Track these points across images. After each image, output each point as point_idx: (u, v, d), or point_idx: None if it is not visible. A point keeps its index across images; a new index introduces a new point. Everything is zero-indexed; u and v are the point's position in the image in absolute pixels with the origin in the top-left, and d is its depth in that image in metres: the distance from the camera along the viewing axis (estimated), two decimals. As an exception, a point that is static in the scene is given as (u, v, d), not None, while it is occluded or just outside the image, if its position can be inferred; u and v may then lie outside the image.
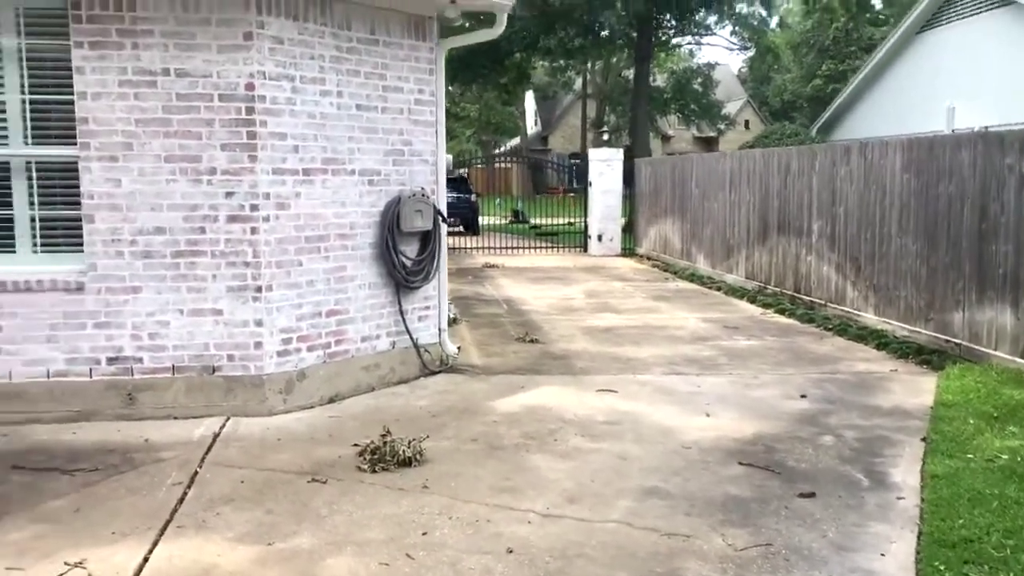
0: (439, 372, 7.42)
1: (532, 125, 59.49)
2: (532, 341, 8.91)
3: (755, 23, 30.21)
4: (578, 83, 49.88)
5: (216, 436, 5.73)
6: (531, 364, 7.91)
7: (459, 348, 7.93)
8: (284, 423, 6.06)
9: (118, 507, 4.49)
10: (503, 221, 27.54)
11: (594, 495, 4.68)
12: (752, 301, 11.69)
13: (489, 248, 19.51)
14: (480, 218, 24.07)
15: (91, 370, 6.08)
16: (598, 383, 7.15)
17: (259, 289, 6.18)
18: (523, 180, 48.22)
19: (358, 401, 6.62)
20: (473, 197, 23.69)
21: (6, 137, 6.00)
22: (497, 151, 57.61)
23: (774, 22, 39.23)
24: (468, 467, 5.11)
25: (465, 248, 19.89)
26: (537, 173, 46.45)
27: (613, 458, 5.29)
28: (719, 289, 12.93)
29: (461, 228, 22.16)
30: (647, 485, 4.84)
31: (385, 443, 5.19)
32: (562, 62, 32.23)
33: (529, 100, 56.32)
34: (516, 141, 57.76)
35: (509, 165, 47.09)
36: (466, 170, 29.07)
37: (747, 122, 52.34)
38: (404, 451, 5.11)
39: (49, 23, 5.94)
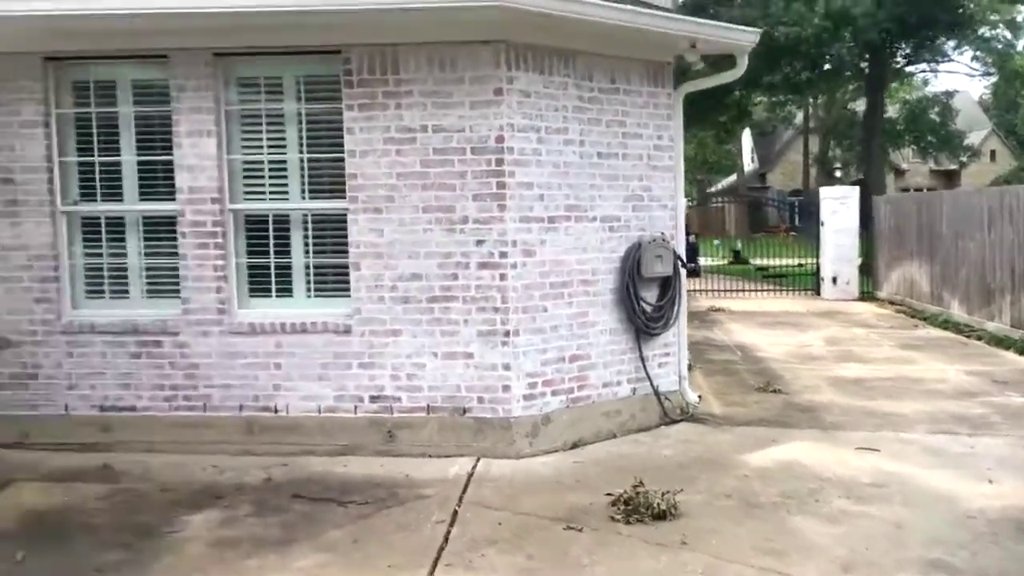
0: (680, 421, 7.28)
1: (749, 162, 57.98)
2: (774, 391, 8.56)
3: (999, 46, 27.86)
4: (799, 117, 48.11)
5: (470, 476, 5.93)
6: (776, 416, 7.58)
7: (699, 397, 7.75)
8: (531, 466, 6.17)
9: (391, 541, 4.74)
10: (722, 262, 26.86)
11: (870, 564, 4.36)
12: (1021, 353, 10.57)
13: (712, 291, 19.08)
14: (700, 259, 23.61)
15: (356, 407, 6.51)
16: (855, 440, 6.72)
17: (507, 334, 6.37)
18: (740, 219, 46.93)
19: (600, 447, 6.63)
20: (692, 238, 23.30)
21: (287, 192, 6.63)
22: (711, 190, 56.59)
23: (1021, 44, 36.02)
24: (725, 524, 4.94)
25: (688, 291, 19.53)
26: (755, 212, 45.04)
27: (886, 524, 4.92)
28: (979, 338, 11.81)
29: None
30: (930, 557, 4.45)
31: (638, 493, 5.14)
32: (782, 97, 31.25)
33: (746, 137, 55.00)
34: (732, 179, 56.49)
35: (726, 204, 46.04)
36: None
37: (993, 152, 48.19)
38: (658, 503, 5.02)
39: (324, 89, 6.52)
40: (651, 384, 7.18)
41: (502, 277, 6.34)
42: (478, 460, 6.27)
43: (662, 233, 7.17)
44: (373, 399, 6.51)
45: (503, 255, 6.33)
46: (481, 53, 6.19)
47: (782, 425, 7.25)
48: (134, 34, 6.28)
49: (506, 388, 6.40)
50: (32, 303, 6.69)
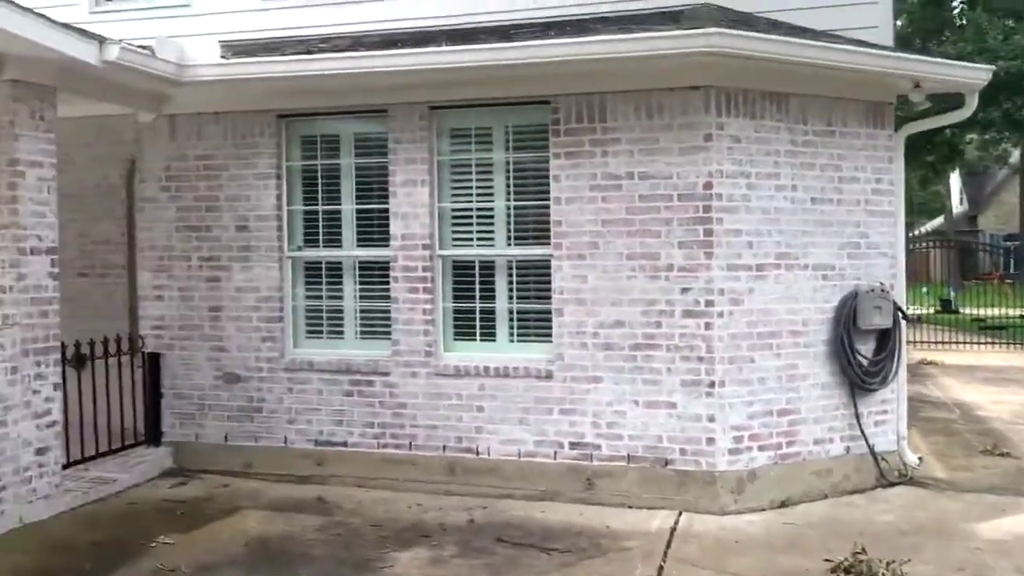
0: (898, 484, 6.75)
1: (957, 204, 53.96)
2: (1001, 454, 7.79)
3: None
4: (1014, 155, 44.33)
5: (673, 530, 5.75)
6: (1008, 483, 6.88)
7: (920, 458, 7.17)
8: (737, 524, 5.91)
9: (597, 594, 4.67)
10: (930, 311, 25.00)
11: None
12: None
13: (922, 342, 17.73)
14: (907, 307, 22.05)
15: (555, 453, 6.51)
16: (1108, 514, 5.98)
17: (712, 384, 6.18)
18: (949, 265, 43.62)
19: (811, 508, 6.25)
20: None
21: (493, 239, 6.80)
22: (916, 233, 53.06)
23: None
24: (963, 602, 4.51)
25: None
26: (966, 257, 41.73)
27: None
28: None
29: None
30: None
31: (860, 561, 4.80)
32: (997, 134, 28.89)
33: (954, 177, 51.29)
34: (939, 222, 52.72)
35: (933, 249, 42.97)
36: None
37: None
38: (883, 573, 4.66)
39: (531, 137, 6.68)
40: (867, 443, 6.72)
41: (708, 326, 6.17)
42: (680, 514, 6.08)
43: (880, 283, 6.74)
44: (573, 446, 6.48)
45: (709, 303, 6.17)
46: (690, 99, 6.13)
47: (1015, 493, 6.58)
48: (359, 91, 6.70)
49: (710, 441, 6.19)
50: (259, 341, 7.20)
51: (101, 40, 5.94)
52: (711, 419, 6.18)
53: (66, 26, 5.70)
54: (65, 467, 6.36)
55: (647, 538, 5.61)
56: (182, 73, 6.55)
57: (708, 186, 6.14)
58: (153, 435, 7.34)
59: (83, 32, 5.89)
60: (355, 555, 5.40)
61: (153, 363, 7.34)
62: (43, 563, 5.28)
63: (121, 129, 7.92)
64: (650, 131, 6.24)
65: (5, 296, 5.88)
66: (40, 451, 6.03)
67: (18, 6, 5.21)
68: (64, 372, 6.31)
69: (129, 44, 6.08)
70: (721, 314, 6.18)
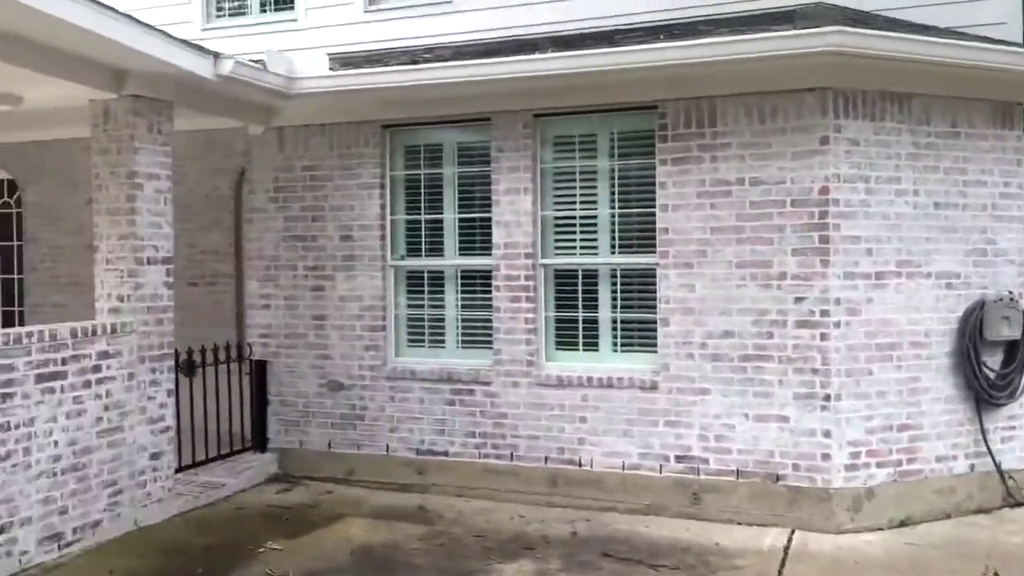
0: (1028, 504, 6.35)
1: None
2: None
3: None
4: None
5: (786, 549, 5.52)
6: None
7: (1053, 478, 6.72)
8: (855, 544, 5.64)
9: (715, 615, 4.49)
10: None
11: None
12: None
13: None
14: None
15: (660, 466, 6.34)
16: None
17: (827, 398, 5.92)
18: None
19: (933, 529, 5.92)
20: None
21: (596, 247, 6.69)
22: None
23: None
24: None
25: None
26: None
27: None
28: None
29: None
30: None
31: (998, 588, 4.48)
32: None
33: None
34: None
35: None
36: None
37: None
38: (1026, 602, 4.35)
39: (636, 144, 6.55)
40: (993, 460, 6.33)
41: (823, 337, 5.92)
42: (793, 532, 5.84)
43: (1009, 292, 6.36)
44: (679, 459, 6.30)
45: (824, 313, 5.92)
46: (806, 101, 5.91)
47: None
48: (462, 100, 6.70)
49: (825, 456, 5.92)
50: (362, 350, 7.26)
51: (216, 55, 6.09)
52: (826, 434, 5.92)
53: (184, 42, 5.87)
54: (177, 471, 6.51)
55: (759, 556, 5.40)
56: (291, 85, 6.67)
57: (824, 191, 5.90)
58: (259, 441, 7.48)
59: (199, 47, 6.06)
60: (458, 566, 5.36)
61: (260, 370, 7.48)
62: (157, 566, 5.41)
63: (230, 142, 8.16)
64: (762, 135, 6.03)
65: (123, 304, 6.07)
66: (154, 456, 6.19)
67: (141, 23, 5.39)
68: (177, 378, 6.47)
69: (241, 58, 6.22)
70: (837, 324, 5.92)
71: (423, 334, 7.28)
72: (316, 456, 7.35)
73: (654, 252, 6.42)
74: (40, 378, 5.31)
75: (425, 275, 7.26)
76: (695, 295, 6.25)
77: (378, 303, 7.21)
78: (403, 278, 7.32)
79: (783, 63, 5.67)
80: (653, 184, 6.42)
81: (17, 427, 5.16)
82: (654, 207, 6.41)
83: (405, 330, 7.32)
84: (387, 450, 7.16)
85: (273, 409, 7.52)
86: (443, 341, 7.21)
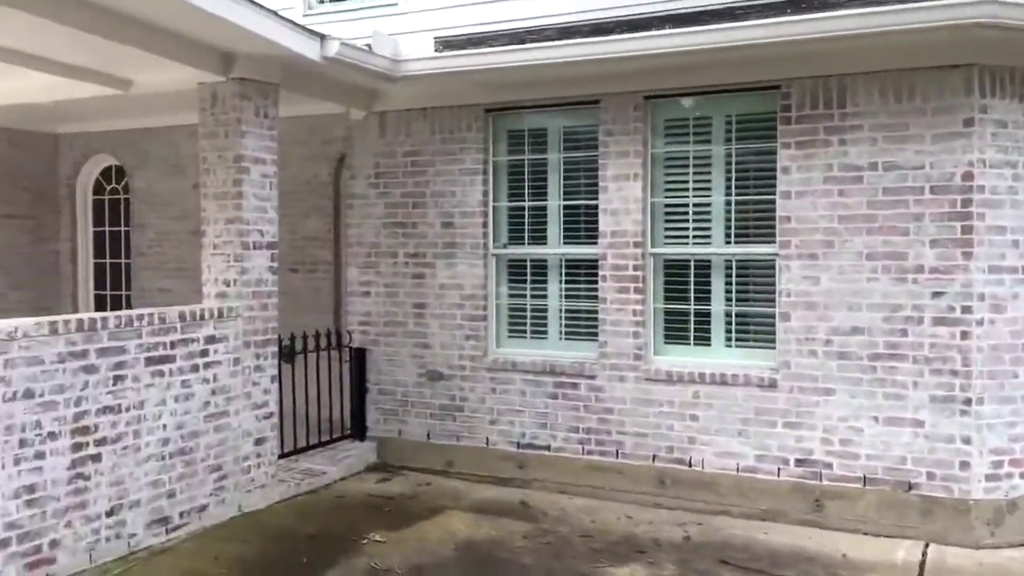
0: None
1: None
2: None
3: None
4: None
5: (922, 564, 5.12)
6: None
7: None
8: (997, 560, 5.19)
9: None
10: None
11: None
12: None
13: None
14: None
15: (779, 470, 5.98)
16: None
17: (968, 402, 5.46)
18: None
19: (1086, 548, 5.41)
20: None
21: (710, 237, 6.35)
22: None
23: None
24: None
25: None
26: None
27: None
28: None
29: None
30: None
31: None
32: None
33: None
34: None
35: None
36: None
37: None
38: None
39: (756, 127, 6.18)
40: None
41: (964, 335, 5.46)
42: (927, 545, 5.42)
43: None
44: (799, 463, 5.93)
45: (966, 310, 5.45)
46: (948, 79, 5.44)
47: None
48: (569, 82, 6.45)
49: (964, 465, 5.47)
50: (462, 339, 7.08)
51: (322, 37, 5.98)
52: (966, 440, 5.46)
53: (292, 23, 5.77)
54: (279, 458, 6.46)
55: (893, 571, 5.01)
56: (396, 68, 6.52)
57: (968, 177, 5.43)
58: (358, 429, 7.39)
59: (306, 29, 5.95)
60: (567, 567, 5.13)
61: (359, 358, 7.39)
62: (263, 552, 5.34)
63: (330, 128, 8.09)
64: (898, 116, 5.59)
65: (229, 289, 6.03)
66: (258, 441, 6.14)
67: (252, 2, 5.29)
68: (280, 364, 6.41)
69: (347, 41, 6.09)
70: (980, 322, 5.45)
71: (524, 325, 7.06)
72: (415, 446, 7.22)
73: (774, 242, 6.04)
74: (150, 361, 5.30)
75: (528, 264, 7.03)
76: (820, 288, 5.85)
77: (479, 292, 7.03)
78: (505, 267, 7.11)
79: (927, 37, 5.20)
80: (773, 169, 6.05)
81: (128, 410, 5.15)
82: (774, 194, 6.04)
83: (506, 320, 7.12)
84: (487, 443, 6.98)
85: (372, 397, 7.43)
86: (545, 332, 6.98)
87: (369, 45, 6.32)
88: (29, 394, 4.59)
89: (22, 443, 4.57)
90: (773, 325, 6.08)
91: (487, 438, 6.98)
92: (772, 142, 6.05)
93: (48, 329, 4.68)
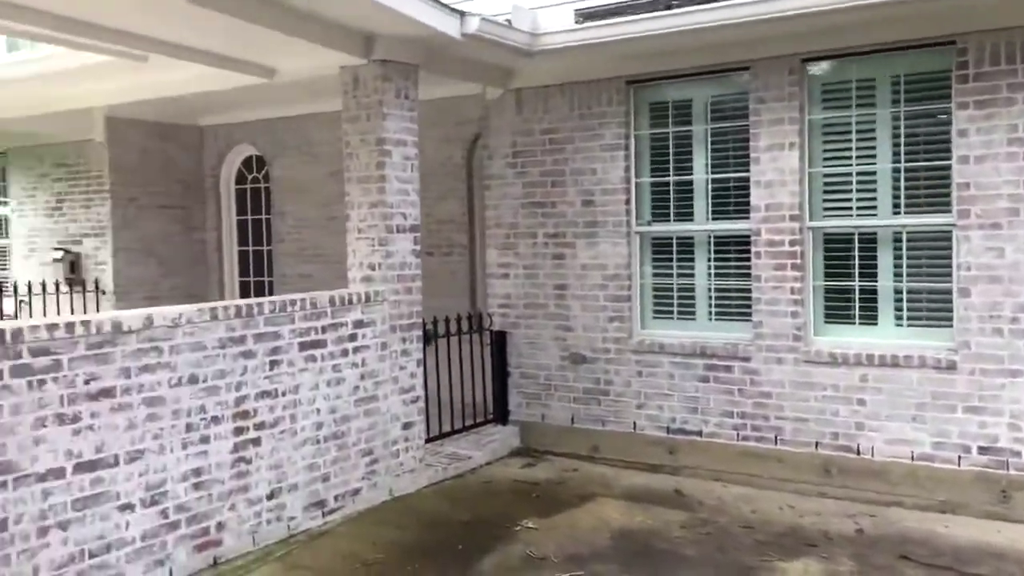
0: None
1: None
2: None
3: None
4: None
5: None
6: None
7: None
8: None
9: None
10: None
11: None
12: None
13: None
14: None
15: (959, 458, 5.52)
16: None
17: None
18: None
19: None
20: None
21: (875, 207, 5.90)
22: None
23: None
24: None
25: None
26: None
27: None
28: None
29: None
30: None
31: None
32: None
33: None
34: None
35: None
36: None
37: None
38: None
39: (927, 87, 5.69)
40: None
41: None
42: None
43: None
44: (982, 451, 5.45)
45: None
46: None
47: None
48: (716, 48, 6.11)
49: None
50: (606, 321, 6.87)
51: (462, 13, 5.85)
52: None
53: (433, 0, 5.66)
54: (425, 443, 6.43)
55: (1105, 573, 4.52)
56: (535, 42, 6.32)
57: None
58: (501, 414, 7.30)
59: (445, 5, 5.83)
60: (732, 560, 4.86)
61: (500, 341, 7.29)
62: (419, 539, 5.29)
63: (463, 109, 7.99)
64: (1100, 66, 5.02)
65: (375, 273, 6.01)
66: (406, 425, 6.12)
67: (394, -20, 5.20)
68: (424, 348, 6.36)
69: (487, 16, 5.94)
70: None
71: (671, 305, 6.78)
72: (558, 431, 7.07)
73: (950, 211, 5.56)
74: (303, 346, 5.32)
75: (673, 242, 6.74)
76: (1005, 261, 5.34)
77: (623, 272, 6.79)
78: (649, 245, 6.84)
79: None
80: (947, 132, 5.56)
81: (284, 394, 5.19)
82: (949, 159, 5.55)
83: (651, 301, 6.86)
84: (634, 427, 6.76)
85: (513, 381, 7.32)
86: (693, 313, 6.68)
87: (509, 20, 6.14)
88: (193, 379, 4.67)
89: (188, 427, 4.65)
90: (950, 302, 5.61)
91: (634, 423, 6.76)
92: (946, 103, 5.56)
93: (209, 315, 4.75)
